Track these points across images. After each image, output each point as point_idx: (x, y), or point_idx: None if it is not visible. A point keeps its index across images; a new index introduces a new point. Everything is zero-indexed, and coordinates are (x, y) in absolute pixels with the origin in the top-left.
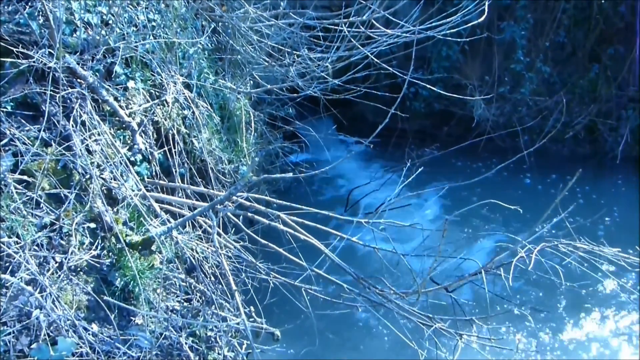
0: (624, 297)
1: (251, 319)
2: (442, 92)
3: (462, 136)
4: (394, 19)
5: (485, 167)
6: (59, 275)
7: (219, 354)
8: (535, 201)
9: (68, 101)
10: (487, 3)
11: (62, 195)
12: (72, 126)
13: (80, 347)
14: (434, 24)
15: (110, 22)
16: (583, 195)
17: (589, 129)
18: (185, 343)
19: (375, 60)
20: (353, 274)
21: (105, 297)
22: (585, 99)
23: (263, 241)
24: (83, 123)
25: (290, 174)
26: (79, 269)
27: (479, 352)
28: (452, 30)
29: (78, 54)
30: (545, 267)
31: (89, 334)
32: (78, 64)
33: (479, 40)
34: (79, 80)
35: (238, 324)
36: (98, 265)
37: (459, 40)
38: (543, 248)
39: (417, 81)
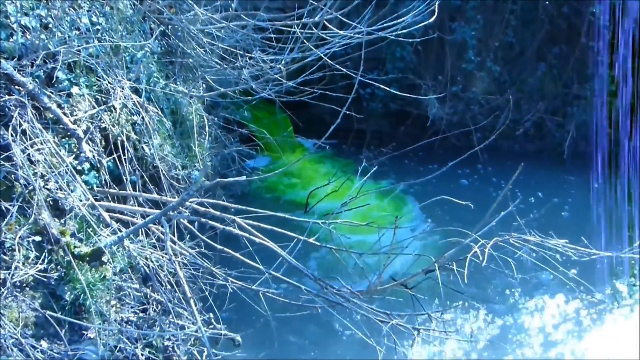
0: (571, 285)
1: (211, 326)
2: (396, 92)
3: (419, 136)
4: (346, 20)
5: (441, 165)
6: (3, 292)
7: None
8: (491, 198)
9: (6, 109)
10: (437, 3)
11: (4, 208)
12: (12, 135)
13: None
14: (385, 24)
15: (51, 25)
16: (534, 190)
17: (538, 125)
18: (142, 354)
19: (329, 61)
20: (310, 275)
21: (53, 313)
22: (534, 97)
23: (219, 246)
24: (23, 132)
25: (244, 177)
26: (24, 285)
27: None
28: (404, 31)
29: (16, 59)
30: (498, 260)
31: (37, 351)
32: (15, 69)
33: (432, 41)
34: (17, 87)
35: (196, 331)
36: (45, 280)
37: (411, 40)
38: (496, 242)
39: (371, 82)
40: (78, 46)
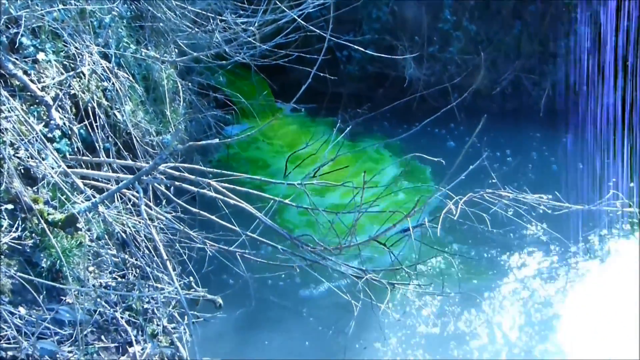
0: (545, 239)
1: (192, 289)
2: (373, 53)
3: (398, 97)
4: None
5: (412, 126)
6: None
7: (157, 325)
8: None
9: None
10: None
11: None
12: None
13: (6, 331)
14: None
15: None
16: (505, 148)
17: (515, 84)
18: (122, 317)
19: (303, 23)
20: (285, 234)
21: (28, 277)
22: (511, 56)
23: (195, 210)
24: None
25: (217, 140)
26: None
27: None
28: None
29: None
30: (472, 217)
31: (15, 317)
32: None
33: (408, 0)
34: None
35: (175, 293)
36: (20, 247)
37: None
38: (470, 198)
39: (347, 44)
40: (41, 10)
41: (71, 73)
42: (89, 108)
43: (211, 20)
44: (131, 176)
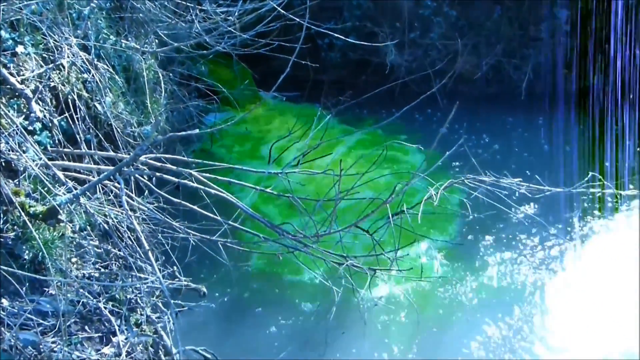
0: (526, 223)
1: (176, 279)
2: (354, 41)
3: (380, 84)
4: None
5: (403, 113)
6: None
7: (141, 314)
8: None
9: None
10: None
11: None
12: None
13: None
14: None
15: None
16: (483, 132)
17: (496, 68)
18: (105, 308)
19: (283, 12)
20: (266, 223)
21: (13, 271)
22: (491, 40)
23: (176, 200)
24: None
25: (197, 130)
26: None
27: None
28: None
29: None
30: (454, 202)
31: None
32: None
33: None
34: None
35: (158, 283)
36: (2, 240)
37: None
38: (451, 185)
39: (328, 31)
40: (19, 3)
41: (51, 65)
42: (69, 100)
43: (191, 10)
44: (112, 167)
